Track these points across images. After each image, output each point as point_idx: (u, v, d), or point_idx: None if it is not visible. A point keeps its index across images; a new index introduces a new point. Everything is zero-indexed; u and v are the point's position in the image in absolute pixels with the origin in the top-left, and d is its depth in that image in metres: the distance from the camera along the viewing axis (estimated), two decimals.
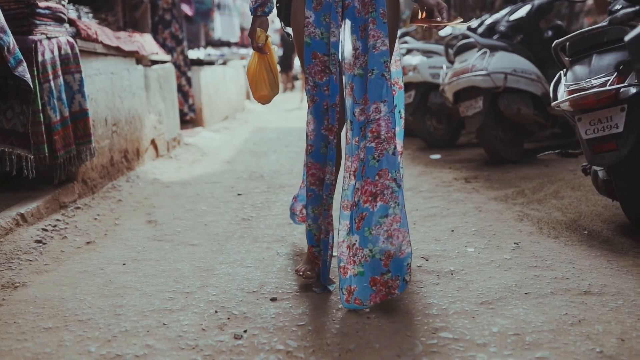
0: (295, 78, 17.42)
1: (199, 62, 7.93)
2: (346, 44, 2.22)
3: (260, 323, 2.01)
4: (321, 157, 2.26)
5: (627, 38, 2.09)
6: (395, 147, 2.12)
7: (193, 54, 8.02)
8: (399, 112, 2.45)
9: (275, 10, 2.45)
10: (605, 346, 1.73)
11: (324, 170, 2.25)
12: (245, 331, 1.95)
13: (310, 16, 2.22)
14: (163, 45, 6.95)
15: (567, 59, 2.86)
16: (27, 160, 3.14)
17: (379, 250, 2.05)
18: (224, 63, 9.28)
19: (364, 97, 2.15)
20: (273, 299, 2.22)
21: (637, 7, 1.94)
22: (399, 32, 2.77)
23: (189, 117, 7.57)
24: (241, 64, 10.78)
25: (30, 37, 3.29)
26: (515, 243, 2.72)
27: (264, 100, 2.45)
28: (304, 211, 2.60)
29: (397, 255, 2.05)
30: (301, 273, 2.33)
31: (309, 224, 2.33)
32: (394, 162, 2.11)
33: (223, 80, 9.06)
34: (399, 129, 2.42)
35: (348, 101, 2.19)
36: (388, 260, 2.05)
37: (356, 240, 2.09)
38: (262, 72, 2.40)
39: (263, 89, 2.42)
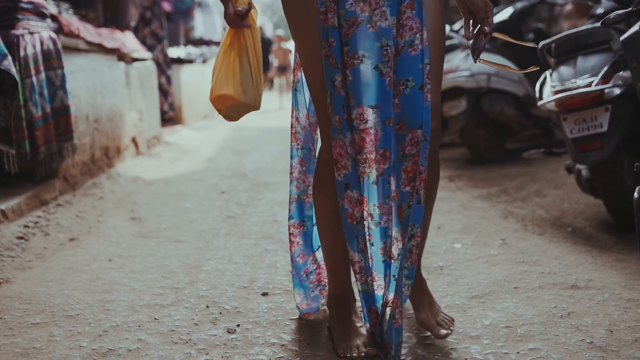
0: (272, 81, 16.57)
1: (179, 61, 7.88)
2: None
3: (253, 317, 2.01)
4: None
5: (622, 38, 2.14)
6: (423, 193, 1.60)
7: (173, 52, 7.96)
8: None
9: None
10: (595, 337, 1.76)
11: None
12: (238, 325, 1.94)
13: None
14: (143, 43, 6.88)
15: (552, 60, 2.91)
16: (8, 155, 3.09)
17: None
18: (204, 62, 9.23)
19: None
20: (264, 294, 2.21)
21: (629, 9, 1.98)
22: None
23: (169, 116, 7.52)
24: None
25: (13, 31, 3.23)
26: (501, 239, 2.75)
27: (223, 105, 1.64)
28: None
29: (388, 321, 1.66)
30: (359, 354, 1.70)
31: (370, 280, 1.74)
32: (419, 213, 1.59)
33: (203, 79, 9.00)
34: None
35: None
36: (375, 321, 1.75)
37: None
38: (234, 60, 1.62)
39: (224, 86, 1.63)
